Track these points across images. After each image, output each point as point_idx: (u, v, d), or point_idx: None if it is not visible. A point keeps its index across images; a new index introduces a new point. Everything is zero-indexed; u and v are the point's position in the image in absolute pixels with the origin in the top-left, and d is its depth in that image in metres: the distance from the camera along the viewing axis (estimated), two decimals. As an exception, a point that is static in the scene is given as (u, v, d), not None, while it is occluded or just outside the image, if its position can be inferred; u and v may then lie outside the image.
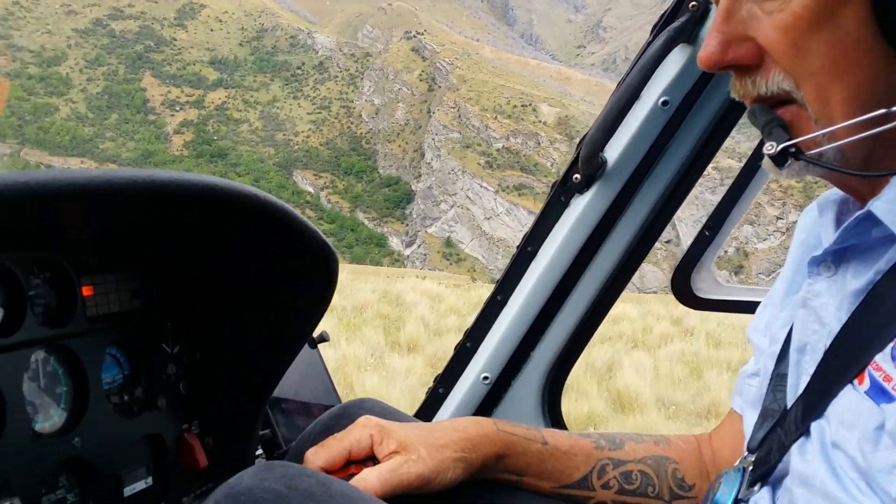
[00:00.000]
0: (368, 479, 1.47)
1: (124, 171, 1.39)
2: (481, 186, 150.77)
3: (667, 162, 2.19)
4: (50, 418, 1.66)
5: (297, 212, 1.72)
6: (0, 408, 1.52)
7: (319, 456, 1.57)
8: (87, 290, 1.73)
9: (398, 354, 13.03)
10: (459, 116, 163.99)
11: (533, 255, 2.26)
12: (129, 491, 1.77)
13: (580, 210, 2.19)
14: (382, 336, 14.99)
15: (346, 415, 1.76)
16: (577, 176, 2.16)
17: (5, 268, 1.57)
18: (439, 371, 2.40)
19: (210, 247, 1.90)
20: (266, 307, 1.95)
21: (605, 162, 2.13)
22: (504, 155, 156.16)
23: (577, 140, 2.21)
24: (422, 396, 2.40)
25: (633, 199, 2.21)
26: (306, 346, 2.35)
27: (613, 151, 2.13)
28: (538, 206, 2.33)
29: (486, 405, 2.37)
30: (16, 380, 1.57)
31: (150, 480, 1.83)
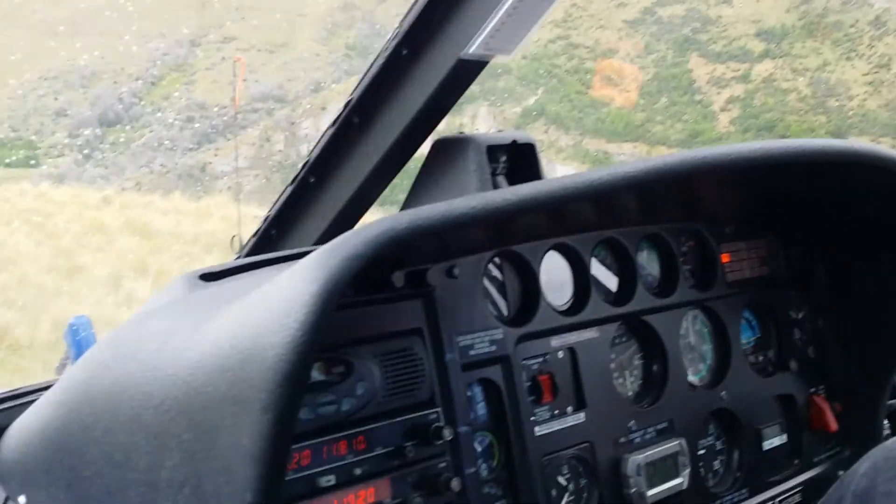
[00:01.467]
0: None
1: (778, 141, 1.50)
2: None
3: None
4: (699, 372, 1.86)
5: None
6: (663, 360, 1.76)
7: None
8: (725, 257, 1.90)
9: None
10: None
11: None
12: (767, 445, 1.90)
13: None
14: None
15: None
16: None
17: (661, 238, 1.80)
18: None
19: (834, 214, 1.93)
20: (894, 275, 1.91)
21: None
22: None
23: None
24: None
25: None
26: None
27: None
28: None
29: None
30: (674, 336, 1.80)
31: (784, 437, 1.94)
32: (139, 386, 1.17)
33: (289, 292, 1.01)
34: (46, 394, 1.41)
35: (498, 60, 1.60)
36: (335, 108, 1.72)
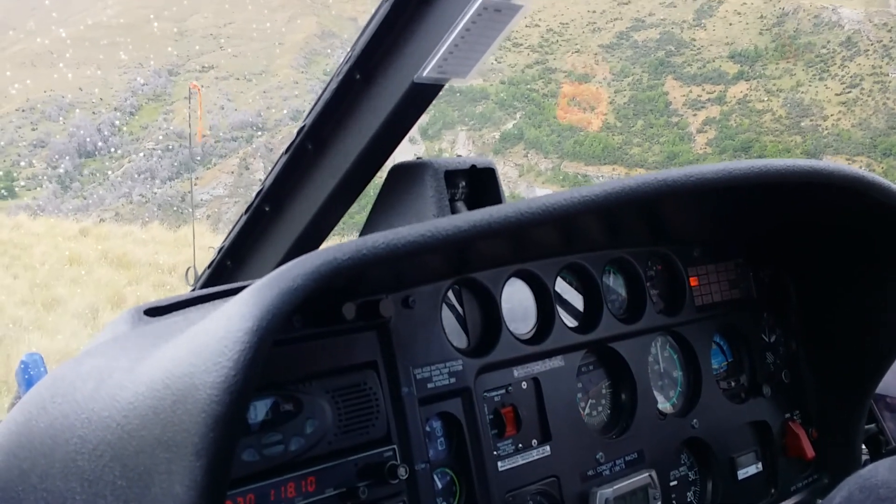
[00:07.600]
0: None
1: (740, 162, 1.46)
2: None
3: None
4: (670, 399, 1.81)
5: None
6: (632, 388, 1.71)
7: None
8: (693, 281, 1.86)
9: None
10: None
11: None
12: (742, 474, 1.85)
13: None
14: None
15: None
16: None
17: (627, 262, 1.76)
18: None
19: (807, 235, 1.90)
20: (868, 296, 1.87)
21: None
22: None
23: None
24: None
25: None
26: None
27: None
28: None
29: None
30: (642, 363, 1.75)
31: (759, 466, 1.89)
32: (74, 429, 1.10)
33: (223, 329, 0.95)
34: None
35: (454, 84, 1.56)
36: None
